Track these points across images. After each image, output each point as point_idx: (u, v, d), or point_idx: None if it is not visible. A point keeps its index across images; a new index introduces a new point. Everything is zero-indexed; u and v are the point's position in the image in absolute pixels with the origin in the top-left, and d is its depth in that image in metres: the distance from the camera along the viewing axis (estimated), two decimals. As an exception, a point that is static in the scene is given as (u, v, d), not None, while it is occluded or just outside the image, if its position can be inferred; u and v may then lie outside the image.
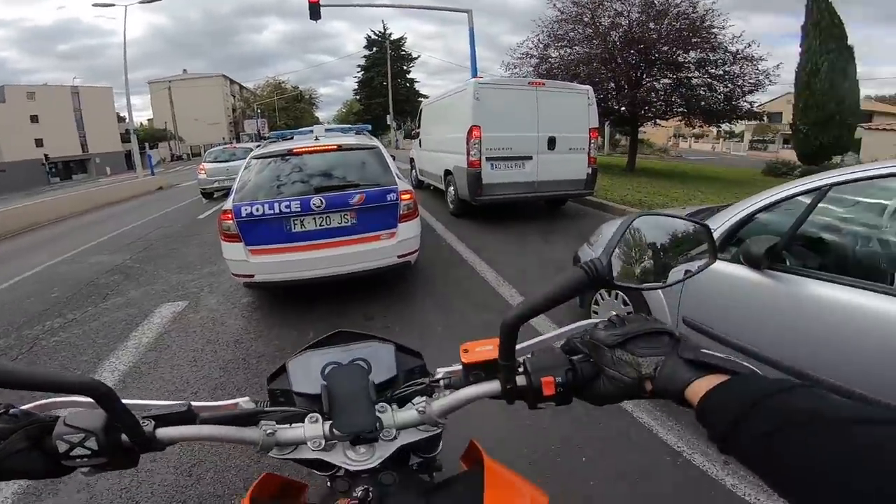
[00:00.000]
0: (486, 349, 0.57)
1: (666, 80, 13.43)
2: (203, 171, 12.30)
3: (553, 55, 14.30)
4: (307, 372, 0.63)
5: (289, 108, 59.08)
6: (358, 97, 51.77)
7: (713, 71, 12.62)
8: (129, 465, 0.54)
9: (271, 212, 3.62)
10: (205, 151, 14.60)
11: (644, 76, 13.16)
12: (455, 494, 0.61)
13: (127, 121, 23.23)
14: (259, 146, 4.84)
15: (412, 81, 49.45)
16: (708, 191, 10.39)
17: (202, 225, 8.75)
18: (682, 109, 13.50)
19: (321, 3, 13.28)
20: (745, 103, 12.87)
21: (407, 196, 3.88)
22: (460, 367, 0.59)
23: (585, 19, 13.08)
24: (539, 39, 14.45)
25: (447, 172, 7.55)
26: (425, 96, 44.30)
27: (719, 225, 2.26)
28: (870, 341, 1.62)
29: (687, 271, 0.61)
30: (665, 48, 12.09)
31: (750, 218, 2.19)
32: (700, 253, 0.59)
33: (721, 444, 0.41)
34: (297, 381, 0.63)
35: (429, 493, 0.60)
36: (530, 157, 6.62)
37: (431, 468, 0.79)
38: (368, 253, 3.80)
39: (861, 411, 0.34)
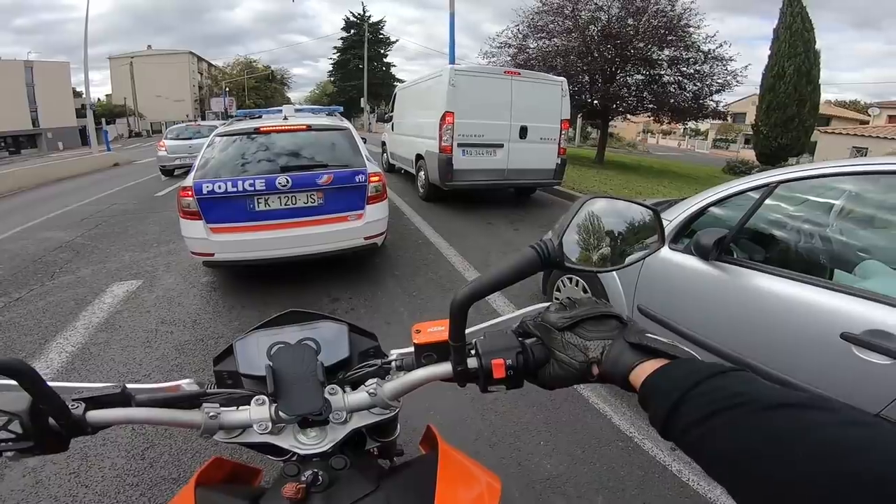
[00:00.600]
0: (438, 330, 0.55)
1: (639, 77, 13.68)
2: (164, 148, 11.75)
3: (531, 46, 14.31)
4: (255, 353, 0.61)
5: (259, 88, 56.99)
6: (332, 79, 50.52)
7: (684, 69, 12.93)
8: (59, 449, 0.52)
9: (234, 189, 3.50)
10: (166, 128, 13.94)
11: (618, 71, 13.36)
12: (408, 478, 0.60)
13: (84, 96, 21.82)
14: (224, 124, 4.66)
15: (389, 65, 48.48)
16: (670, 185, 10.77)
17: (160, 202, 8.40)
18: (651, 106, 13.82)
19: None
20: (712, 102, 13.29)
21: (376, 178, 3.83)
22: (411, 349, 0.59)
23: (566, 12, 13.13)
24: (519, 30, 14.45)
25: (419, 157, 7.49)
26: (401, 80, 43.63)
27: (674, 216, 2.34)
28: (808, 333, 1.69)
29: (627, 249, 0.60)
30: (641, 44, 12.28)
31: (702, 211, 2.27)
32: (653, 240, 0.60)
33: (661, 428, 0.40)
34: (244, 363, 0.61)
35: (381, 477, 0.59)
36: (501, 145, 6.65)
37: (391, 453, 0.78)
38: (334, 234, 3.74)
39: (787, 396, 0.35)
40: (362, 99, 35.45)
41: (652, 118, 15.19)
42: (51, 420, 0.49)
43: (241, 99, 51.95)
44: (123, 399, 0.53)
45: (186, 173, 4.13)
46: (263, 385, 0.58)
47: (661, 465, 2.02)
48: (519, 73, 6.89)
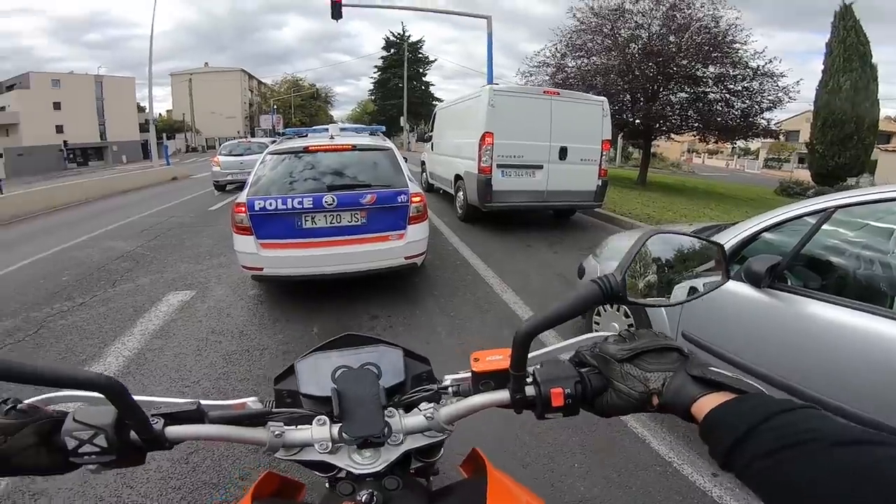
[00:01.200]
0: (497, 359, 0.58)
1: (683, 94, 13.35)
2: (217, 164, 12.39)
3: (570, 65, 14.27)
4: (315, 374, 0.64)
5: (304, 106, 59.57)
6: (373, 97, 52.02)
7: (732, 86, 12.52)
8: (136, 462, 0.54)
9: (284, 207, 3.67)
10: (219, 144, 14.74)
11: (661, 89, 13.11)
12: (458, 501, 0.62)
13: (147, 111, 23.67)
14: (274, 142, 4.89)
15: (427, 84, 49.61)
16: (718, 208, 10.34)
17: (213, 216, 8.84)
18: (697, 124, 13.42)
19: (343, 2, 13.40)
20: (763, 120, 12.77)
21: (417, 199, 3.92)
22: (468, 374, 0.60)
23: (605, 30, 13.03)
24: (556, 49, 14.41)
25: (457, 177, 7.57)
26: (440, 99, 44.37)
27: (724, 242, 2.27)
28: (869, 363, 1.62)
29: (692, 289, 0.61)
30: (684, 62, 12.00)
31: (755, 237, 2.20)
32: (707, 271, 0.59)
33: (723, 461, 0.41)
34: (304, 383, 0.64)
35: (432, 499, 0.60)
36: (541, 167, 6.63)
37: (429, 473, 0.79)
38: (376, 253, 3.83)
39: (859, 433, 0.35)
40: (402, 118, 36.18)
41: (697, 137, 14.73)
42: (132, 434, 0.52)
43: (287, 116, 54.41)
44: (198, 416, 0.56)
45: (237, 188, 4.35)
46: (322, 405, 0.61)
47: (700, 490, 1.96)
48: (558, 93, 6.90)
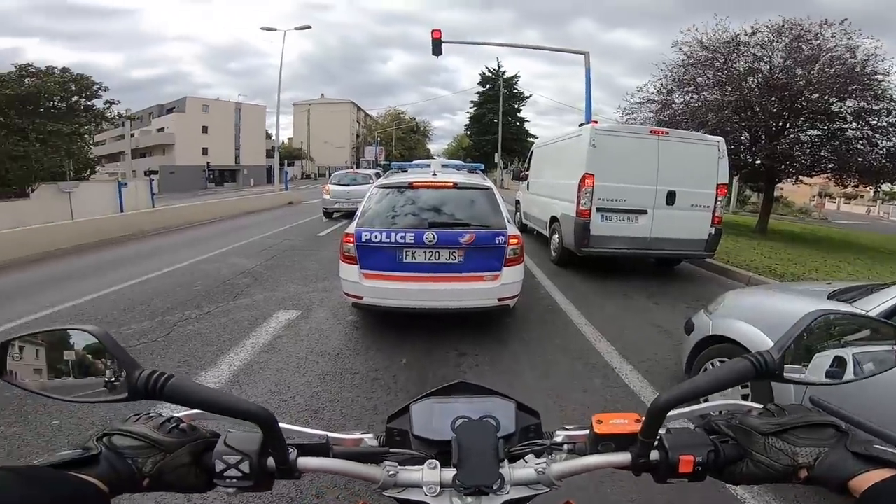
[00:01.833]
0: (622, 423, 0.59)
1: (814, 132, 11.94)
2: (327, 192, 13.46)
3: (677, 101, 13.57)
4: (429, 418, 0.66)
5: (405, 138, 63.52)
6: (468, 132, 53.54)
7: (875, 122, 10.96)
8: (265, 488, 0.56)
9: (388, 240, 3.87)
10: (329, 172, 16.20)
11: (787, 126, 11.85)
12: None
13: (273, 137, 26.93)
14: (377, 174, 5.22)
15: (522, 120, 49.82)
16: (858, 262, 8.90)
17: (321, 242, 9.64)
18: (832, 165, 11.84)
19: (443, 39, 14.15)
20: (914, 160, 10.88)
21: (515, 241, 3.92)
22: (582, 432, 0.62)
23: (717, 64, 12.24)
24: (662, 84, 13.80)
25: (553, 219, 7.43)
26: (534, 136, 44.41)
27: (873, 307, 2.07)
28: None
29: (857, 364, 0.59)
30: (815, 95, 10.76)
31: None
32: (871, 345, 0.59)
33: None
34: (417, 425, 0.66)
35: None
36: (645, 212, 6.27)
37: None
38: (470, 292, 3.87)
39: None
40: (496, 154, 36.56)
41: (832, 179, 12.95)
42: (269, 461, 0.54)
43: (388, 148, 58.31)
44: (325, 449, 0.59)
45: (343, 216, 4.70)
46: (431, 448, 0.63)
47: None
48: (667, 133, 6.55)
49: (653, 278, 6.83)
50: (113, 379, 0.52)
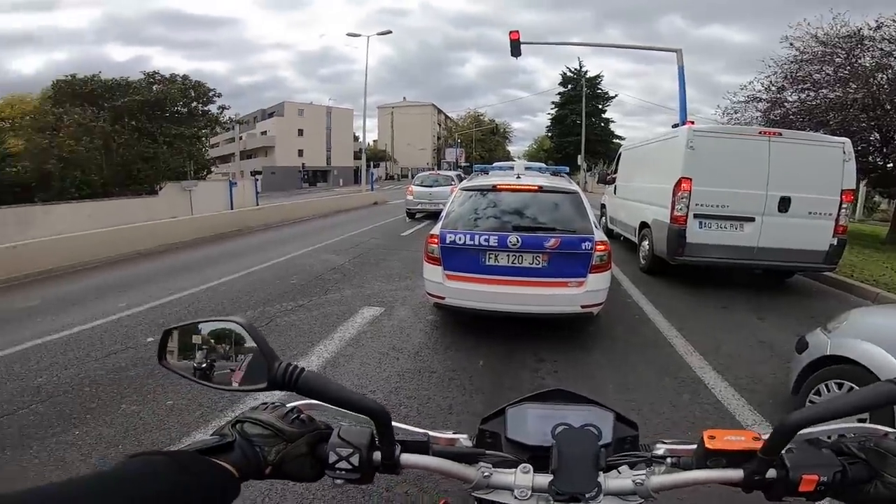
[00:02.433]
0: (737, 440, 0.57)
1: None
2: (410, 193, 13.87)
3: (790, 99, 12.11)
4: (524, 423, 0.66)
5: (484, 140, 63.66)
6: (550, 134, 52.11)
7: None
8: (367, 481, 0.57)
9: (471, 243, 3.91)
10: (412, 174, 16.72)
11: (925, 125, 10.04)
12: None
13: (360, 139, 28.33)
14: (459, 175, 5.27)
15: (607, 121, 47.24)
16: None
17: (404, 241, 10.00)
18: None
19: (521, 40, 13.87)
20: None
21: (602, 247, 3.77)
22: (686, 446, 0.61)
23: (837, 60, 10.74)
24: (771, 81, 12.39)
25: (643, 225, 7.02)
26: (620, 137, 42.15)
27: None
28: None
29: None
30: None
31: None
32: None
33: None
34: (512, 429, 0.66)
35: None
36: (752, 219, 5.69)
37: None
38: (553, 297, 3.79)
39: None
40: (579, 156, 35.08)
41: None
42: (375, 455, 0.56)
43: (468, 150, 58.80)
44: (426, 447, 0.61)
45: (425, 217, 4.81)
46: (524, 452, 0.63)
47: None
48: (780, 133, 5.90)
49: (758, 291, 6.17)
50: (255, 369, 0.54)
